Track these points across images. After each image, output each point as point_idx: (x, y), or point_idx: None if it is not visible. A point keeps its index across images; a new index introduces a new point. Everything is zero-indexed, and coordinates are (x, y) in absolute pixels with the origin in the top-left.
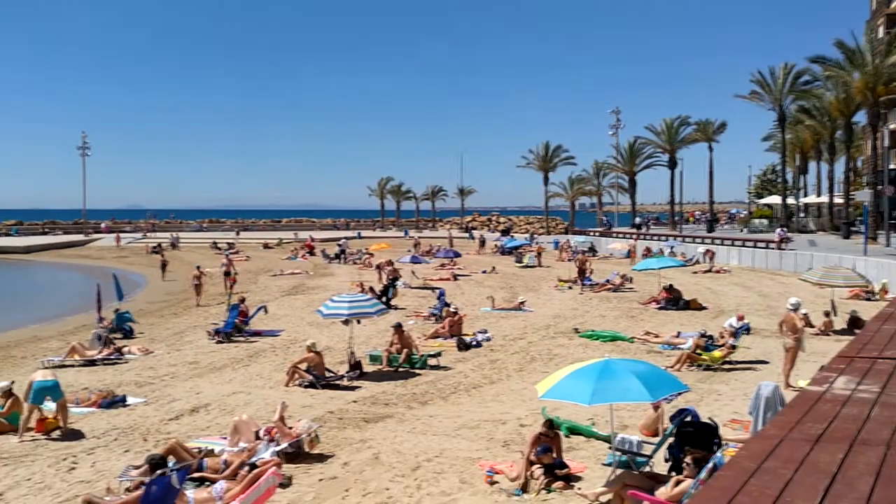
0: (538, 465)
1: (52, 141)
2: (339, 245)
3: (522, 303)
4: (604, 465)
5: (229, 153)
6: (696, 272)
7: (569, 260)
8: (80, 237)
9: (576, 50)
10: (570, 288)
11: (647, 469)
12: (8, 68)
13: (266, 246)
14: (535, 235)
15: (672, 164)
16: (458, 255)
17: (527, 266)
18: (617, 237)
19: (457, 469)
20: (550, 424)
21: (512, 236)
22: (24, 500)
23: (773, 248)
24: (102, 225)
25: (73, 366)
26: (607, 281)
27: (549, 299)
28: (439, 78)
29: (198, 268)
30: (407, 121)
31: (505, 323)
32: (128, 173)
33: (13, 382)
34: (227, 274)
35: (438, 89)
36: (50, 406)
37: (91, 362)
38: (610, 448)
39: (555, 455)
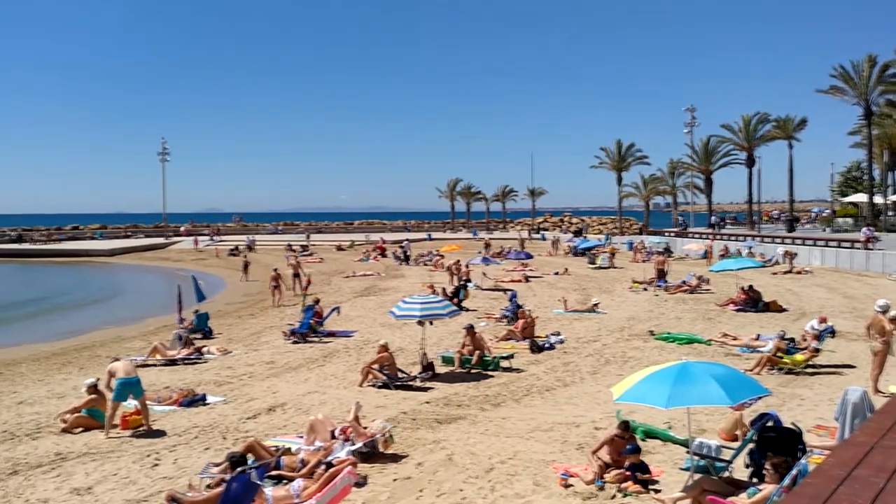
0: (616, 467)
1: (134, 147)
2: (402, 247)
3: (596, 305)
4: (681, 469)
5: (294, 155)
6: (775, 273)
7: (643, 261)
8: (161, 240)
9: (649, 47)
10: (644, 289)
11: (727, 475)
12: (96, 82)
13: (339, 248)
14: (610, 236)
15: (750, 162)
16: (529, 256)
17: (600, 267)
18: (693, 237)
19: (530, 471)
20: (626, 426)
21: (585, 237)
22: (111, 494)
23: (858, 248)
24: (182, 228)
25: (154, 365)
26: (683, 282)
27: (623, 301)
28: (508, 76)
29: (275, 270)
30: (476, 120)
31: (578, 325)
32: (205, 177)
33: (98, 379)
34: (295, 275)
35: (507, 87)
36: (132, 403)
37: (172, 362)
38: (688, 452)
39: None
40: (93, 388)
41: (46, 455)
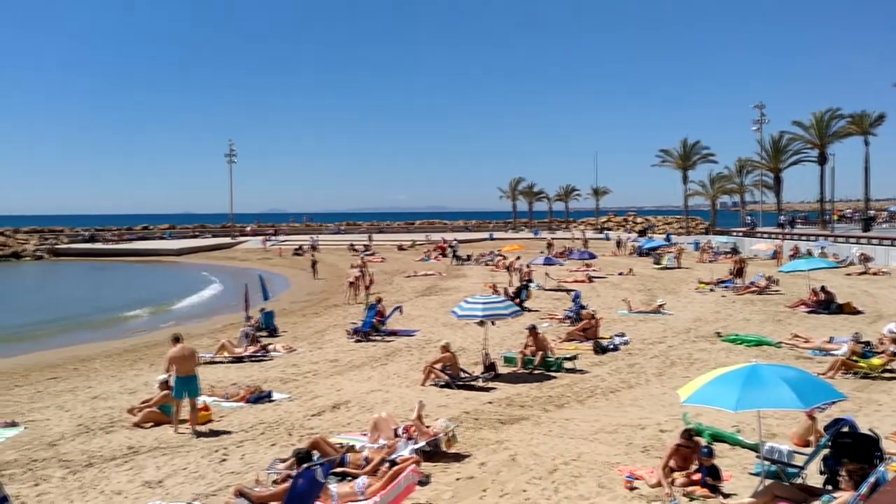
0: (681, 473)
1: (202, 148)
2: (451, 247)
3: (661, 305)
4: (751, 474)
5: (354, 155)
6: (849, 274)
7: (710, 261)
8: (227, 240)
9: (716, 43)
10: (711, 290)
11: (799, 481)
12: (165, 88)
13: (400, 248)
14: (671, 235)
15: (822, 159)
16: (593, 256)
17: (665, 268)
18: (761, 237)
19: (595, 473)
20: (689, 434)
21: (650, 237)
22: (180, 487)
23: None
24: (248, 228)
25: (222, 362)
26: (751, 283)
27: (689, 302)
28: (571, 74)
29: (356, 267)
30: (538, 119)
31: (643, 326)
32: (268, 178)
33: (170, 375)
34: (361, 274)
35: (570, 86)
36: (201, 398)
37: (239, 359)
38: (758, 457)
39: (697, 464)
40: (164, 385)
41: (119, 448)
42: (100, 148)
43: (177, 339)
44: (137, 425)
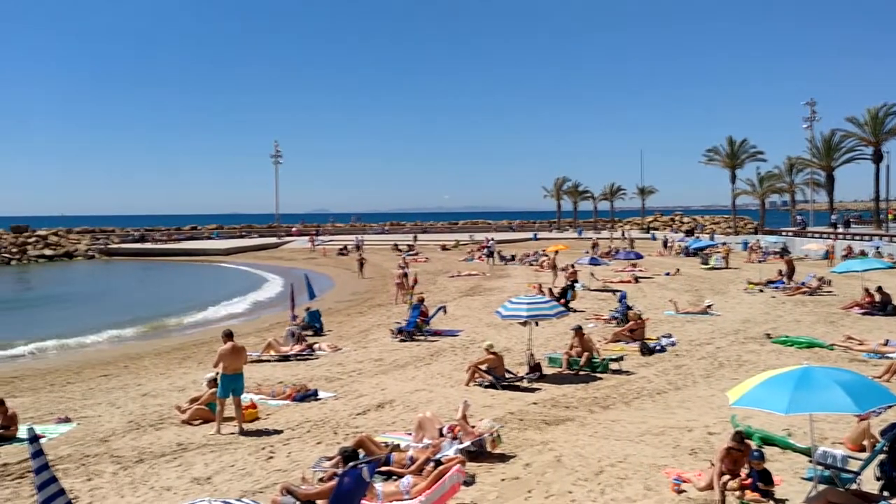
0: (733, 476)
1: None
2: (487, 246)
3: (709, 306)
4: (803, 479)
5: (397, 156)
6: None
7: (759, 261)
8: (274, 240)
9: (765, 40)
10: (760, 291)
11: (854, 486)
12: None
13: (443, 248)
14: (717, 234)
15: (877, 157)
16: (639, 256)
17: (713, 268)
18: (813, 237)
19: (641, 475)
20: (741, 437)
21: (697, 237)
22: (228, 484)
23: None
24: (294, 228)
25: (268, 361)
26: (802, 283)
27: (737, 303)
28: (615, 71)
29: (402, 267)
30: (582, 117)
31: (690, 327)
32: (313, 178)
33: (218, 373)
34: (404, 275)
35: (615, 83)
36: (248, 396)
37: (285, 358)
38: (810, 462)
39: (747, 468)
40: (213, 383)
41: (169, 445)
42: (150, 149)
43: (229, 336)
44: (186, 422)
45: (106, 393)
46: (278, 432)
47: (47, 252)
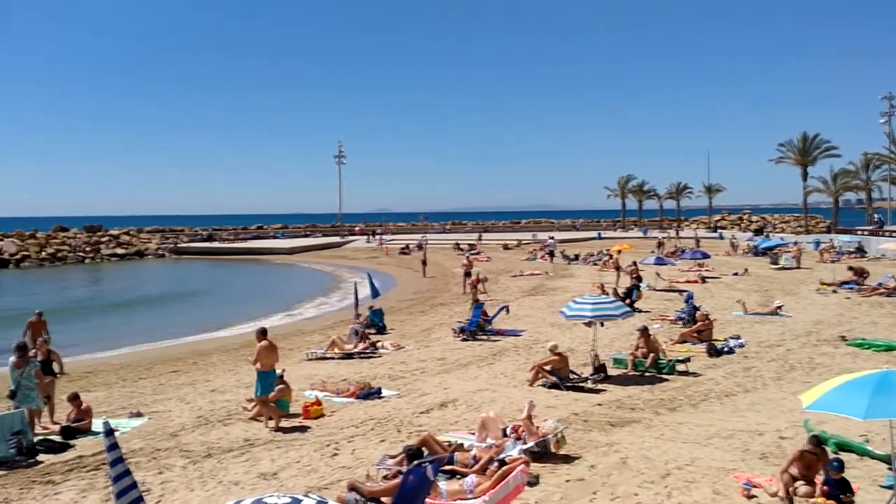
0: (806, 482)
1: (311, 149)
2: (548, 245)
3: (779, 307)
4: (882, 487)
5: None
6: None
7: (831, 261)
8: (337, 239)
9: (838, 33)
10: (834, 291)
11: None
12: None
13: (505, 247)
14: (786, 234)
15: None
16: (706, 255)
17: (783, 268)
18: (890, 236)
19: (709, 479)
20: (817, 441)
21: (767, 236)
22: (294, 480)
23: None
24: (357, 228)
25: (332, 358)
26: (879, 284)
27: (809, 304)
28: (678, 66)
29: (464, 265)
30: (646, 114)
31: (760, 328)
32: (375, 177)
33: (283, 371)
34: (467, 274)
35: (679, 79)
36: (313, 393)
37: (348, 355)
38: (890, 469)
39: (823, 474)
40: (279, 379)
41: (236, 440)
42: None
43: (263, 334)
44: (253, 419)
45: (175, 389)
46: (343, 429)
47: (119, 251)
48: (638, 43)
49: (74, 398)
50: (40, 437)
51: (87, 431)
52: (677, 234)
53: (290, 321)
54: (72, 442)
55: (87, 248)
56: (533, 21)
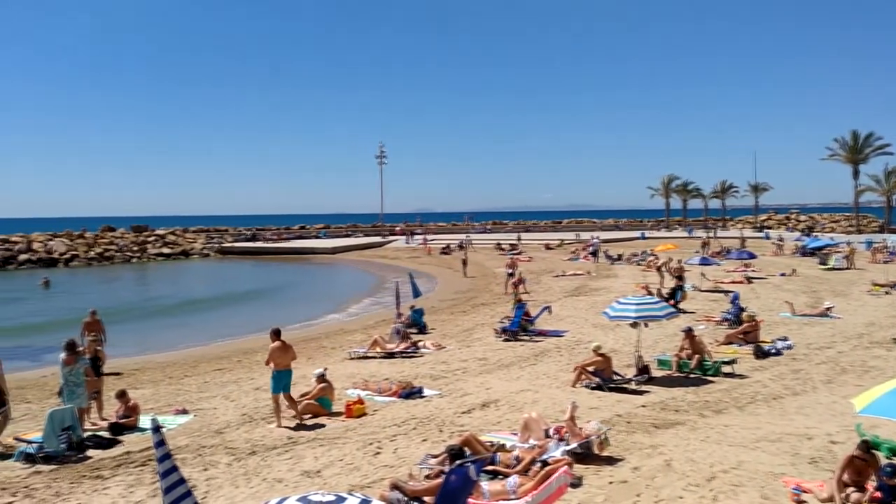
0: (857, 489)
1: (353, 148)
2: (592, 245)
3: (829, 308)
4: None
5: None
6: None
7: (884, 262)
8: (378, 239)
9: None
10: (886, 293)
11: None
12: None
13: (547, 247)
14: (833, 233)
15: None
16: (752, 256)
17: (833, 268)
18: None
19: (757, 483)
20: (867, 447)
21: (816, 236)
22: (337, 478)
23: None
24: (397, 228)
25: (374, 357)
26: None
27: (860, 305)
28: (726, 65)
29: (508, 266)
30: (691, 112)
31: (808, 330)
32: (416, 177)
33: (326, 369)
34: (510, 274)
35: (725, 78)
36: (355, 392)
37: (390, 355)
38: None
39: (876, 480)
40: (321, 378)
41: (280, 438)
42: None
43: (277, 334)
44: (297, 417)
45: (220, 386)
46: (385, 428)
47: (165, 251)
48: (684, 40)
49: (122, 395)
50: (89, 433)
51: (134, 428)
52: (715, 233)
53: (333, 320)
54: (120, 438)
55: (134, 248)
56: (575, 19)
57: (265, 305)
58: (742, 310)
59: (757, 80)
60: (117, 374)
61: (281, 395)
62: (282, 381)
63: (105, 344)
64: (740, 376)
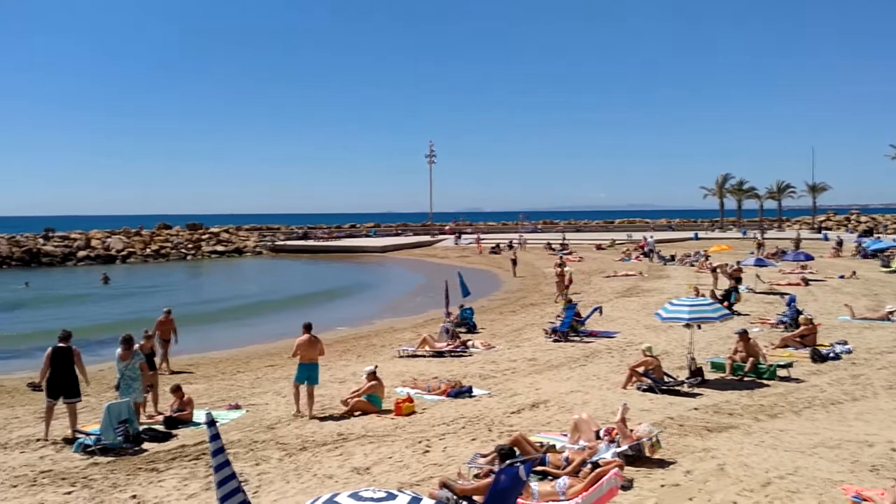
0: None
1: (404, 147)
2: (647, 245)
3: (891, 312)
4: None
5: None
6: None
7: None
8: (427, 238)
9: None
10: None
11: None
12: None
13: (598, 247)
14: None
15: None
16: (809, 257)
17: (895, 271)
18: None
19: (814, 490)
20: None
21: (878, 237)
22: (386, 475)
23: None
24: (447, 227)
25: (423, 356)
26: None
27: None
28: (784, 64)
29: (558, 265)
30: (746, 111)
31: (869, 334)
32: (465, 175)
33: (376, 367)
34: (560, 275)
35: (781, 72)
36: (404, 390)
37: (439, 353)
38: None
39: None
40: (372, 375)
41: (330, 435)
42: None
43: (307, 328)
44: (347, 413)
45: (272, 382)
46: (434, 426)
47: (219, 248)
48: (740, 38)
49: (177, 390)
50: (145, 426)
51: (188, 422)
52: (762, 234)
53: (382, 318)
54: (174, 431)
55: (189, 245)
56: (639, 17)
57: (316, 304)
58: (799, 312)
59: (815, 79)
60: (189, 372)
61: (304, 386)
62: (306, 372)
63: (176, 343)
64: (796, 380)
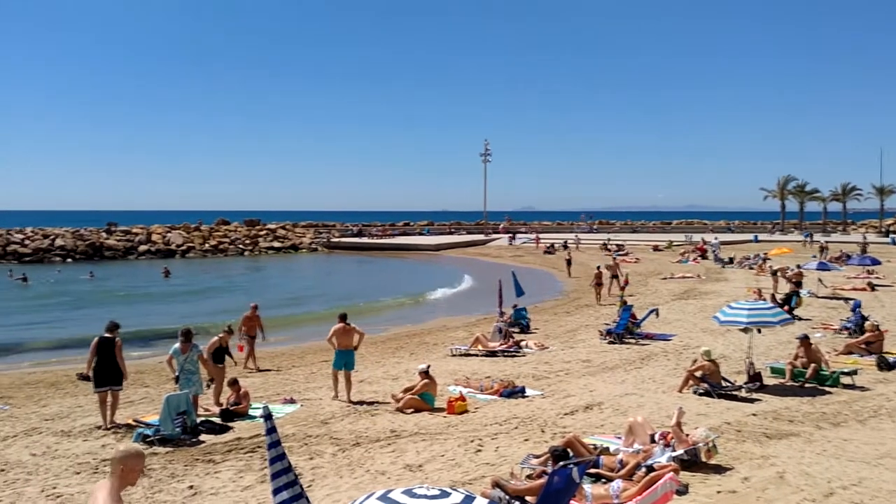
0: None
1: (458, 146)
2: (711, 246)
3: None
4: None
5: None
6: None
7: None
8: (481, 237)
9: None
10: None
11: None
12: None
13: (655, 248)
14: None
15: None
16: (876, 262)
17: None
18: None
19: (880, 502)
20: None
21: None
22: (438, 473)
23: None
24: (500, 226)
25: (476, 355)
26: None
27: None
28: (849, 64)
29: (598, 268)
30: (809, 113)
31: None
32: (520, 174)
33: (429, 366)
34: (614, 276)
35: (844, 73)
36: (456, 389)
37: (492, 353)
38: None
39: None
40: (424, 374)
41: (383, 431)
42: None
43: (342, 318)
44: (400, 410)
45: (326, 378)
46: (487, 426)
47: (276, 244)
48: (801, 38)
49: (234, 383)
50: (203, 419)
51: (244, 415)
52: (811, 237)
53: (436, 317)
54: (230, 424)
55: (247, 241)
56: (698, 15)
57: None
58: (864, 318)
59: (882, 78)
60: (277, 369)
61: (342, 373)
62: (342, 358)
63: (263, 340)
64: (861, 388)
